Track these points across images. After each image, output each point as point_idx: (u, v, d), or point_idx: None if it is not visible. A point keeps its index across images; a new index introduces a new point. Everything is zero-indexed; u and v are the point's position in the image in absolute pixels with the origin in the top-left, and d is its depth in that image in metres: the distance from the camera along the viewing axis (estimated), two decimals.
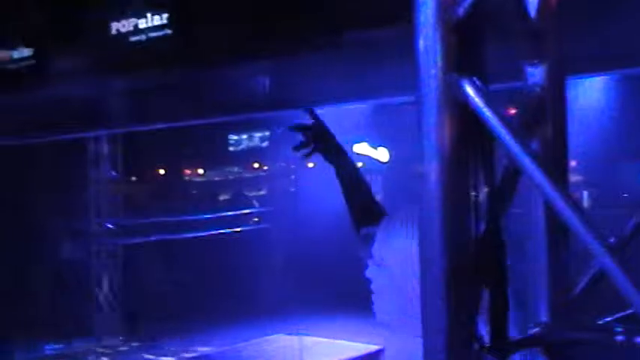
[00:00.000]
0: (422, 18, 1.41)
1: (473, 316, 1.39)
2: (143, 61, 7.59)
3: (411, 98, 1.51)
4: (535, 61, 1.61)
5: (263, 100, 7.41)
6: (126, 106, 8.94)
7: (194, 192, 14.87)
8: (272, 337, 8.81)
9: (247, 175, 13.83)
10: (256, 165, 13.61)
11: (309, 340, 8.31)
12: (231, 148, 13.12)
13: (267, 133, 12.62)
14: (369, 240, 2.09)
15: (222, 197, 13.98)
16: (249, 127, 12.74)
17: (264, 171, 13.13)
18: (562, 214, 1.34)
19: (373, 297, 2.03)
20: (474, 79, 1.42)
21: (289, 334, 8.71)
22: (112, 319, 12.38)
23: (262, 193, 13.03)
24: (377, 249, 2.03)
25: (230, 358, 8.52)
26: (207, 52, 7.32)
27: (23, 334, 11.10)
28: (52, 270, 12.93)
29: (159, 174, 15.04)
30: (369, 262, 2.05)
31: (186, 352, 9.86)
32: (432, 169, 1.45)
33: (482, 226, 1.43)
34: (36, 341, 11.41)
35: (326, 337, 8.24)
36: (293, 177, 12.45)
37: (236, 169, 13.92)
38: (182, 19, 7.32)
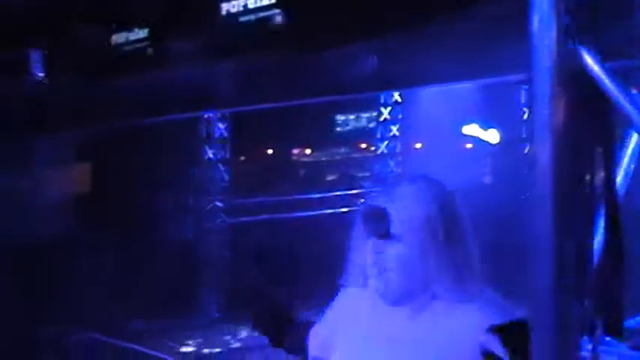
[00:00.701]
0: None
1: (583, 300, 1.32)
2: (252, 41, 7.68)
3: (522, 77, 1.45)
4: None
5: (371, 79, 7.37)
6: (236, 86, 9.08)
7: (301, 172, 14.98)
8: None
9: (354, 155, 13.82)
10: (363, 146, 13.57)
11: None
12: (338, 129, 13.13)
13: (374, 114, 12.55)
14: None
15: (329, 178, 14.02)
16: (356, 107, 12.72)
17: (372, 152, 13.07)
18: None
19: None
20: (592, 49, 1.34)
21: None
22: (220, 296, 12.67)
23: (369, 174, 12.98)
24: None
25: None
26: (315, 32, 7.32)
27: (142, 310, 11.47)
28: (165, 247, 13.33)
29: (267, 154, 15.23)
30: None
31: None
32: (544, 148, 1.37)
33: (595, 212, 1.36)
34: (150, 315, 11.79)
35: None
36: (400, 159, 12.36)
37: (343, 149, 13.92)
38: None
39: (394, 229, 1.80)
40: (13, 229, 11.58)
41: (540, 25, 1.32)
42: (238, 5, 7.42)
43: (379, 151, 12.48)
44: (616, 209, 1.33)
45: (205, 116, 12.19)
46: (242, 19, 7.47)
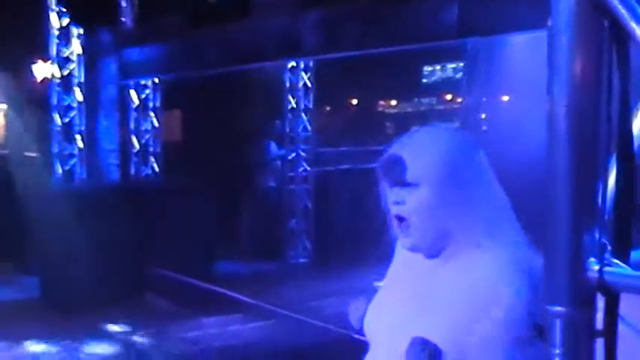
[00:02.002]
0: None
1: (594, 225, 1.36)
2: None
3: None
4: None
5: (452, 27, 7.31)
6: (320, 34, 9.16)
7: (387, 123, 14.97)
8: None
9: (440, 107, 13.72)
10: (449, 97, 13.44)
11: None
12: (424, 80, 13.04)
13: (460, 65, 12.41)
14: None
15: (414, 129, 13.95)
16: (442, 58, 12.58)
17: (458, 103, 12.95)
18: None
19: None
20: None
21: None
22: (303, 244, 12.93)
23: (455, 126, 12.90)
24: None
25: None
26: None
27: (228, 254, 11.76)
28: (250, 194, 13.64)
29: (352, 104, 15.27)
30: None
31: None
32: (563, 94, 1.39)
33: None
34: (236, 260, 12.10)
35: None
36: (484, 115, 12.21)
37: (429, 100, 13.84)
38: None
39: (410, 175, 1.77)
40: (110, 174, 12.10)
41: None
42: None
43: (465, 103, 12.36)
44: (630, 146, 1.36)
45: (289, 65, 12.29)
46: None
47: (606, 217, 1.35)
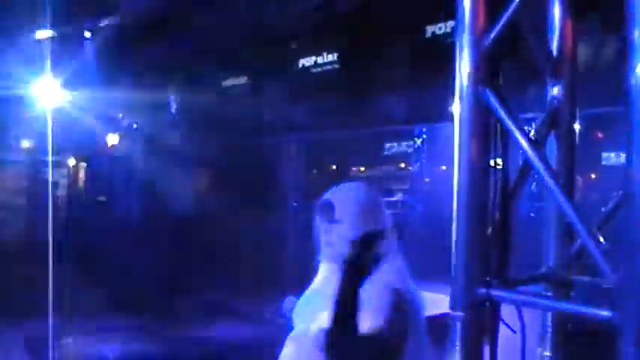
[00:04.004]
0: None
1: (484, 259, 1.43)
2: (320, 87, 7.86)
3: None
4: (554, 81, 1.61)
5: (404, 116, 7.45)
6: (308, 119, 9.28)
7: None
8: None
9: (397, 172, 13.92)
10: (403, 165, 13.67)
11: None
12: (386, 152, 13.27)
13: (411, 142, 12.64)
14: None
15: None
16: (399, 137, 12.87)
17: (408, 170, 13.14)
18: (559, 205, 1.35)
19: None
20: (495, 90, 1.44)
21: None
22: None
23: (406, 187, 13.01)
24: None
25: None
26: (364, 84, 7.46)
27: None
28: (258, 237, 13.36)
29: (332, 169, 15.51)
30: None
31: None
32: (465, 167, 1.46)
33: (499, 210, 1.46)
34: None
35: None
36: (427, 179, 12.36)
37: (388, 167, 14.05)
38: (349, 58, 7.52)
39: (336, 215, 1.90)
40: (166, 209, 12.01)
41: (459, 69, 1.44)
42: (310, 60, 7.61)
43: (413, 170, 12.59)
44: (508, 202, 1.44)
45: (286, 141, 12.45)
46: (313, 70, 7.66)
47: (491, 250, 1.43)
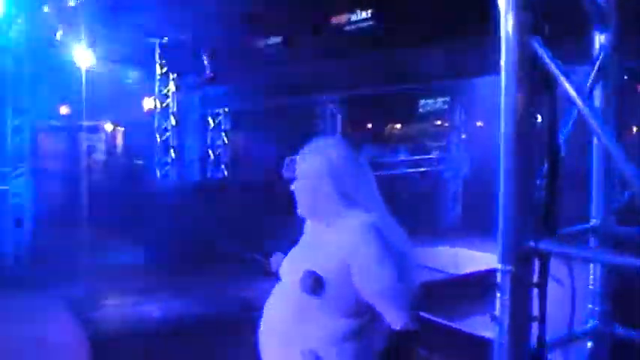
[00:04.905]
0: None
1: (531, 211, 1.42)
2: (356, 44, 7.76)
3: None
4: (601, 29, 1.56)
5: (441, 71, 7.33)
6: (345, 78, 9.20)
7: (392, 140, 14.99)
8: (439, 248, 8.90)
9: (431, 129, 13.73)
10: (438, 122, 13.47)
11: (464, 252, 8.37)
12: (420, 110, 13.06)
13: (447, 99, 12.40)
14: None
15: (412, 145, 13.96)
16: (435, 94, 12.62)
17: (444, 127, 12.95)
18: (608, 148, 1.33)
19: None
20: (542, 38, 1.40)
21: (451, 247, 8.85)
22: None
23: (442, 143, 12.84)
24: None
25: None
26: (401, 38, 7.33)
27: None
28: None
29: (367, 127, 15.41)
30: None
31: None
32: (510, 119, 1.45)
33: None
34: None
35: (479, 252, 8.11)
36: (464, 136, 12.17)
37: (424, 124, 13.88)
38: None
39: (298, 172, 1.96)
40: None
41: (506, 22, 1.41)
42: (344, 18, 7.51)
43: (449, 126, 12.39)
44: (557, 155, 1.42)
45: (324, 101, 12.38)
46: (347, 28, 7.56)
47: (541, 203, 1.42)
